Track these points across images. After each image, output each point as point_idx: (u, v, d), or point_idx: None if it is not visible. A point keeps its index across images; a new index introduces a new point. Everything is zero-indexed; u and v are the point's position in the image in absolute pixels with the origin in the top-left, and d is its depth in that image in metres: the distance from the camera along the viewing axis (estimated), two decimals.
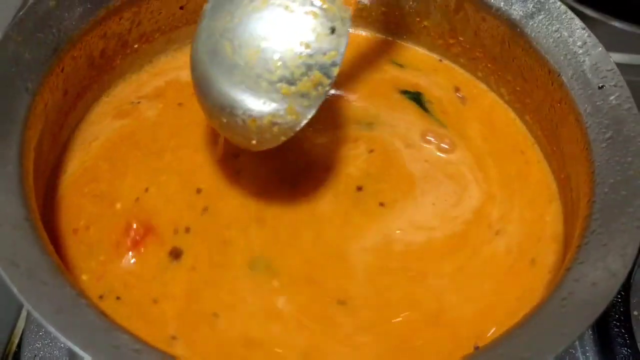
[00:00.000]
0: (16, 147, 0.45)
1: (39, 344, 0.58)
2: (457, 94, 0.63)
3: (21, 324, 0.63)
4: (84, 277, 0.49)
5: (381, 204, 0.54)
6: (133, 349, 0.37)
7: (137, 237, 0.51)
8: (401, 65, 0.65)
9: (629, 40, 0.78)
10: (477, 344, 0.45)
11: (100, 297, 0.48)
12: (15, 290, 0.37)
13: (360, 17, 0.66)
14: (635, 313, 0.62)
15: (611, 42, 0.56)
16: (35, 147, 0.48)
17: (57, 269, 0.40)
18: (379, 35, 0.67)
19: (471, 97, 0.63)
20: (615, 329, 0.61)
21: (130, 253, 0.50)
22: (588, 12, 0.81)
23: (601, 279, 0.41)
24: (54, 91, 0.51)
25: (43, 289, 0.38)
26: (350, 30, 0.47)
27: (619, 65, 0.53)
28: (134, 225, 0.51)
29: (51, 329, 0.36)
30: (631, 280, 0.63)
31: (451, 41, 0.64)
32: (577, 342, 0.61)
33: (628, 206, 0.45)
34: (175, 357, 0.37)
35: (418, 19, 0.64)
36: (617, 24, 0.78)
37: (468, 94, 0.63)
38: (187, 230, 0.51)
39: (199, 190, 0.54)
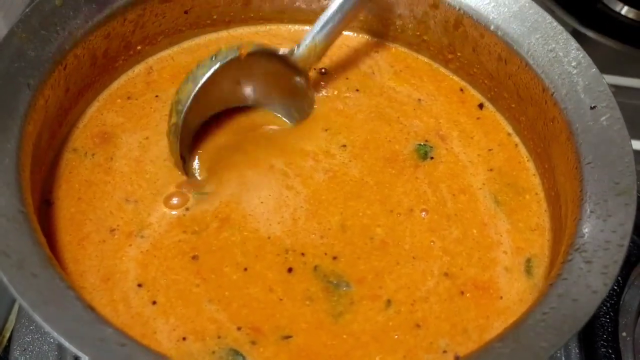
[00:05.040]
0: (15, 141, 0.46)
1: (28, 337, 0.58)
2: None
3: (13, 317, 0.63)
4: None
5: None
6: (119, 343, 0.38)
7: None
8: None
9: (624, 62, 0.79)
10: (457, 354, 0.45)
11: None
12: (5, 279, 0.38)
13: (361, 28, 0.67)
14: (624, 334, 0.62)
15: (607, 64, 0.57)
16: (34, 143, 0.49)
17: (48, 261, 0.40)
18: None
19: None
20: (603, 349, 0.61)
21: None
22: (589, 33, 0.82)
23: (582, 296, 0.42)
24: (55, 88, 0.52)
25: (32, 280, 0.39)
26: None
27: (613, 87, 0.54)
28: None
29: (37, 318, 0.36)
30: (621, 302, 0.63)
31: (450, 56, 0.64)
32: None
33: (612, 226, 0.45)
34: (158, 352, 0.38)
35: (418, 33, 0.65)
36: (613, 45, 0.79)
37: None
38: None
39: None
